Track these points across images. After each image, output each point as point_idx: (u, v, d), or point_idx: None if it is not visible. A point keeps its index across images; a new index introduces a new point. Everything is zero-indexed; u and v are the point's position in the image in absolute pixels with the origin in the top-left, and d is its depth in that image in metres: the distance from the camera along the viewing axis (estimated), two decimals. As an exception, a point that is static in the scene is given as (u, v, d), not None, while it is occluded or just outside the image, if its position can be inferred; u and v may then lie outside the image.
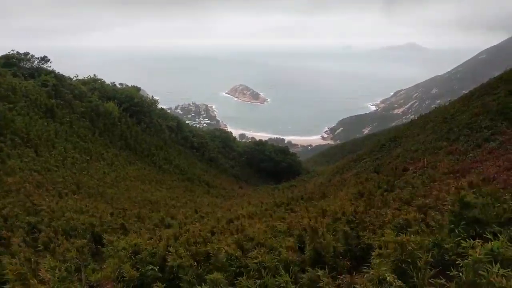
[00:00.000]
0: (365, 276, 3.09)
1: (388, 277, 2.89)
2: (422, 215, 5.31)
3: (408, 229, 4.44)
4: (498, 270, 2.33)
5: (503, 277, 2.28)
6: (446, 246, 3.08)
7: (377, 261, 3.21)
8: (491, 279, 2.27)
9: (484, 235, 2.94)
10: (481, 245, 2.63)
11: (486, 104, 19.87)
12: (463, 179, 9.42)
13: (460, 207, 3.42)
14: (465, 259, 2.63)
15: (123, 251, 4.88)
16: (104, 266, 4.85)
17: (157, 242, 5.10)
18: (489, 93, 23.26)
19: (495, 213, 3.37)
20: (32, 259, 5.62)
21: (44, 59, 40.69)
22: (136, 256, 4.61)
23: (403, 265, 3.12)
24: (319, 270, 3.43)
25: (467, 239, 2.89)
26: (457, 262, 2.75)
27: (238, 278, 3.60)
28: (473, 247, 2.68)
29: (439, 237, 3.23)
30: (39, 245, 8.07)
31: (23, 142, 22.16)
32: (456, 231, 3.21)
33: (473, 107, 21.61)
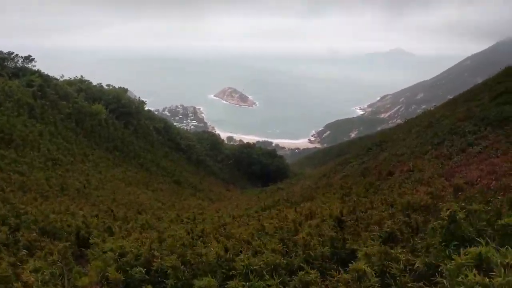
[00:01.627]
0: (343, 273, 3.10)
1: (366, 270, 2.91)
2: (406, 218, 5.36)
3: (394, 236, 4.48)
4: (475, 275, 2.34)
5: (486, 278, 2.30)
6: (427, 260, 3.10)
7: (361, 261, 3.23)
8: (476, 279, 2.29)
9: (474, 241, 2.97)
10: (471, 249, 2.64)
11: (470, 110, 20.25)
12: (447, 183, 9.56)
13: (449, 222, 3.45)
14: (450, 265, 2.64)
15: (108, 253, 4.80)
16: (88, 269, 4.77)
17: (142, 245, 5.03)
18: (473, 99, 23.73)
19: (485, 221, 3.40)
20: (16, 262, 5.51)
21: (28, 59, 40.00)
22: (121, 259, 4.54)
23: (386, 269, 3.14)
24: (311, 272, 3.44)
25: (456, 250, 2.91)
26: (440, 269, 2.76)
27: (227, 282, 3.57)
28: (459, 254, 2.69)
29: (426, 246, 3.25)
30: (21, 247, 7.90)
31: (6, 143, 21.70)
32: (447, 252, 3.22)
33: (457, 113, 21.99)
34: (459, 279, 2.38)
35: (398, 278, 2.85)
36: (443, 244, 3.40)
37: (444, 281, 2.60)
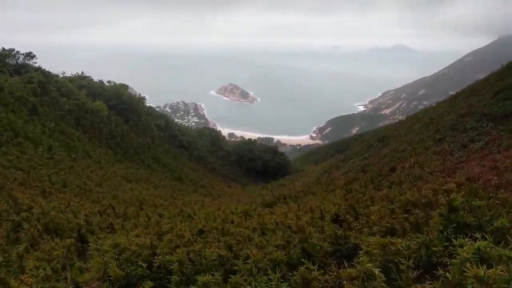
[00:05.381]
0: (349, 272, 3.10)
1: (375, 272, 2.91)
2: (407, 214, 5.36)
3: (395, 232, 4.48)
4: (484, 270, 2.35)
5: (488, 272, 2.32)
6: (434, 248, 3.11)
7: (365, 258, 3.23)
8: (478, 273, 2.30)
9: (472, 235, 2.99)
10: (471, 244, 2.65)
11: (472, 106, 20.20)
12: (449, 179, 9.55)
13: (448, 210, 3.46)
14: (454, 259, 2.65)
15: (108, 250, 4.82)
16: (90, 266, 4.78)
17: (143, 241, 5.05)
18: (475, 94, 23.67)
19: (489, 217, 3.41)
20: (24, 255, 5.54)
21: (30, 55, 39.97)
22: (122, 256, 4.55)
23: (389, 264, 3.14)
24: (312, 267, 3.44)
25: (456, 239, 2.93)
26: (445, 261, 2.78)
27: (231, 276, 3.58)
28: (461, 246, 2.71)
29: (427, 239, 3.26)
30: (23, 243, 7.92)
31: (7, 140, 21.74)
32: (445, 233, 3.24)
33: (459, 108, 21.94)
34: (464, 273, 2.39)
35: (402, 273, 2.86)
36: (441, 230, 3.41)
37: (447, 274, 2.61)
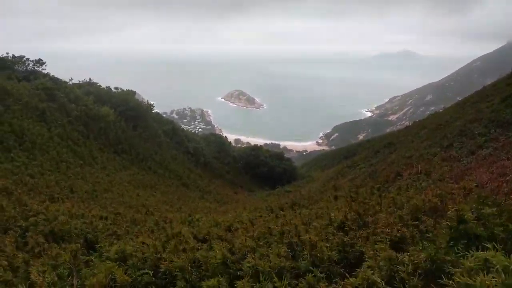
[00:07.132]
0: (352, 281, 3.08)
1: (376, 279, 2.89)
2: (417, 222, 5.31)
3: (404, 240, 4.43)
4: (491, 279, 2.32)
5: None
6: (445, 257, 3.08)
7: (367, 269, 3.21)
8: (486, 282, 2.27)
9: (483, 246, 2.95)
10: (480, 254, 2.62)
11: (480, 111, 20.04)
12: (456, 185, 9.45)
13: (458, 222, 3.42)
14: (458, 270, 2.62)
15: (114, 256, 4.83)
16: (96, 272, 4.79)
17: (149, 247, 5.05)
18: (483, 100, 23.49)
19: (499, 226, 3.37)
20: (30, 261, 5.57)
21: (39, 62, 40.51)
22: (127, 262, 4.56)
23: (394, 274, 3.11)
24: (318, 274, 3.42)
25: (468, 251, 2.89)
26: (448, 270, 2.74)
27: (236, 282, 3.57)
28: (465, 256, 2.67)
29: (435, 250, 3.23)
30: (30, 249, 7.97)
31: (16, 146, 21.98)
32: (454, 245, 3.21)
33: (467, 114, 21.79)
34: (469, 282, 2.36)
35: (407, 282, 2.83)
36: (451, 243, 3.37)
37: (451, 282, 2.58)
